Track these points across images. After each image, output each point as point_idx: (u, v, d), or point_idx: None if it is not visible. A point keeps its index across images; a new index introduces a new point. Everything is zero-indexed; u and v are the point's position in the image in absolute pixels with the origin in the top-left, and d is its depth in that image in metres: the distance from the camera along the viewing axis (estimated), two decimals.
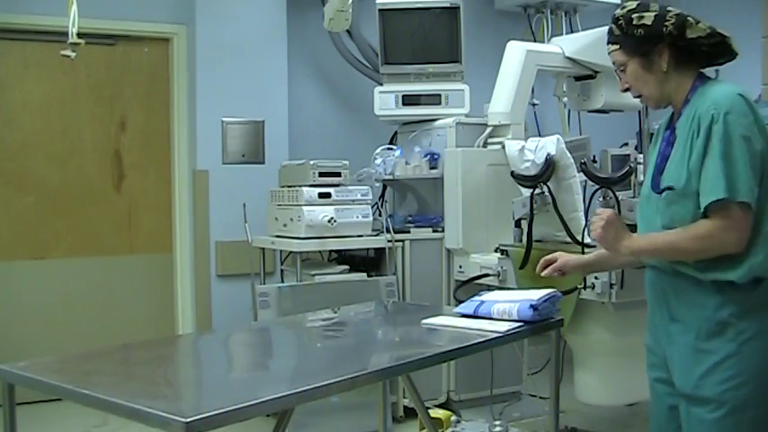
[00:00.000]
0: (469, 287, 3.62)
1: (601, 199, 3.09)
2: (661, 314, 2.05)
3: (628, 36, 2.03)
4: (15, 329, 4.38)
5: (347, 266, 4.09)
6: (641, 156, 3.29)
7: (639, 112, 4.44)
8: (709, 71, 2.09)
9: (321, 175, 3.94)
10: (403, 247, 4.05)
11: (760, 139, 1.88)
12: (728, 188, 1.84)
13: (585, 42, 4.06)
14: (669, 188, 1.95)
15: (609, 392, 3.34)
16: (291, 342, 2.54)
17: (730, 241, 1.87)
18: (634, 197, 3.19)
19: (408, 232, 4.11)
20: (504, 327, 2.21)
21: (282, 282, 4.25)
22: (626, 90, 2.11)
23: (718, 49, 2.03)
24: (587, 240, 3.15)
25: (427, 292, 4.04)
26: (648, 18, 1.99)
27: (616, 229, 2.03)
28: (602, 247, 2.19)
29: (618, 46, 2.06)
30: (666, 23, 1.97)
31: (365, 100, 4.60)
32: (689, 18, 1.98)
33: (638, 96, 2.10)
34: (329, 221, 3.82)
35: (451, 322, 2.33)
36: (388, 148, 4.31)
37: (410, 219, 4.25)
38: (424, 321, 2.37)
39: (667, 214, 1.97)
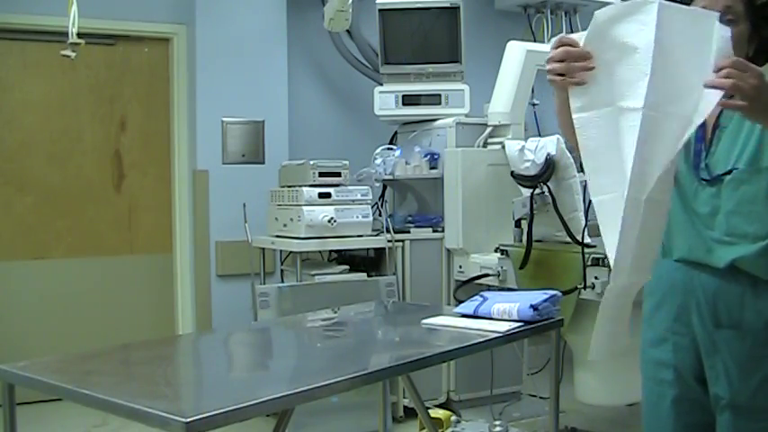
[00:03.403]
0: (469, 287, 3.62)
1: None
2: (701, 321, 1.86)
3: None
4: (15, 329, 4.38)
5: (347, 266, 4.09)
6: None
7: None
8: None
9: (321, 175, 3.94)
10: (403, 247, 4.05)
11: None
12: None
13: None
14: (733, 169, 1.80)
15: (609, 392, 3.34)
16: (291, 342, 2.54)
17: None
18: None
19: (408, 232, 4.11)
20: (504, 327, 2.21)
21: (282, 282, 4.25)
22: None
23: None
24: (587, 240, 3.16)
25: (427, 292, 4.04)
26: None
27: None
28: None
29: None
30: None
31: (365, 100, 4.60)
32: None
33: None
34: (329, 221, 3.82)
35: (451, 322, 2.33)
36: (388, 148, 4.32)
37: (410, 219, 4.25)
38: (424, 321, 2.37)
39: (734, 197, 1.81)
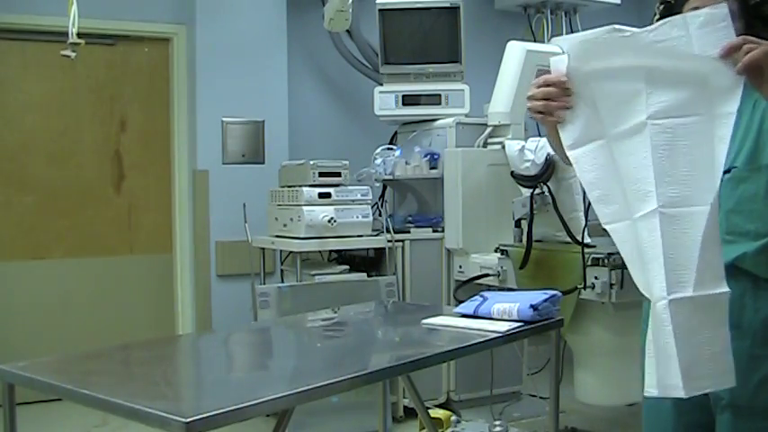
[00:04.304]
0: (469, 287, 3.62)
1: None
2: None
3: None
4: (15, 329, 4.38)
5: (347, 266, 4.09)
6: None
7: None
8: None
9: (321, 175, 3.94)
10: (403, 247, 4.05)
11: None
12: None
13: None
14: (731, 168, 1.78)
15: (609, 392, 3.34)
16: (291, 342, 2.53)
17: None
18: None
19: (408, 232, 4.11)
20: (504, 327, 2.21)
21: (282, 282, 4.25)
22: None
23: None
24: (587, 240, 3.16)
25: (427, 292, 4.04)
26: None
27: None
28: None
29: None
30: None
31: (365, 100, 4.60)
32: None
33: None
34: (329, 221, 3.82)
35: (451, 322, 2.33)
36: (388, 148, 4.32)
37: (410, 219, 4.25)
38: (424, 321, 2.37)
39: (734, 196, 1.80)
